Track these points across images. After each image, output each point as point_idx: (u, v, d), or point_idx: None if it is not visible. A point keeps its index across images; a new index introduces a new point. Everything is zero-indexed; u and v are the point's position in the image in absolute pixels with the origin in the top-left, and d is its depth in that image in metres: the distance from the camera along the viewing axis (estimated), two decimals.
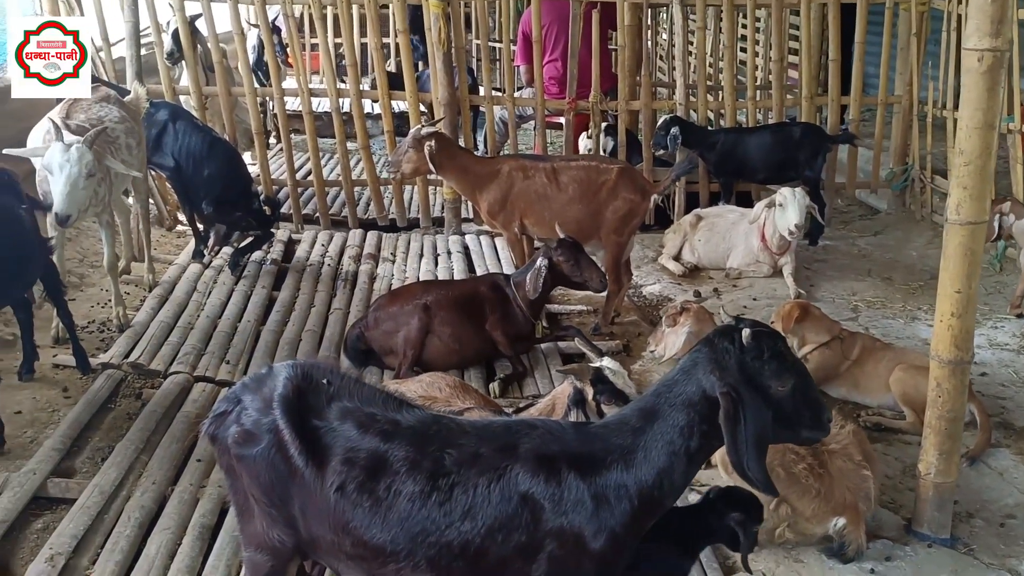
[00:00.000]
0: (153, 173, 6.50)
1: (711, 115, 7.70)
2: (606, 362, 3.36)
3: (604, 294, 5.27)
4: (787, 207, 5.79)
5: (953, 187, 3.13)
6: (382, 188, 7.42)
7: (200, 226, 6.10)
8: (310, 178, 7.44)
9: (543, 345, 5.08)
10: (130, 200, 5.99)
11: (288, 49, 9.16)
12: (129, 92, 5.46)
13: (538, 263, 4.74)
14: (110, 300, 5.27)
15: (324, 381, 2.28)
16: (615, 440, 2.16)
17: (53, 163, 4.25)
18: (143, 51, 7.00)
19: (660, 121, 7.01)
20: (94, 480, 3.62)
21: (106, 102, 5.10)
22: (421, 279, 6.04)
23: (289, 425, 2.20)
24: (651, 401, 2.21)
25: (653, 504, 2.16)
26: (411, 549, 2.13)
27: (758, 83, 8.20)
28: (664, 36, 12.50)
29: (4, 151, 4.48)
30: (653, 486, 2.13)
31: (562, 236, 4.80)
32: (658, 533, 2.54)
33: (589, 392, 3.23)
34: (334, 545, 2.23)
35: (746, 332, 2.15)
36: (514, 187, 5.36)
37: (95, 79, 5.79)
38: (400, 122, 7.65)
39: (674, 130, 6.80)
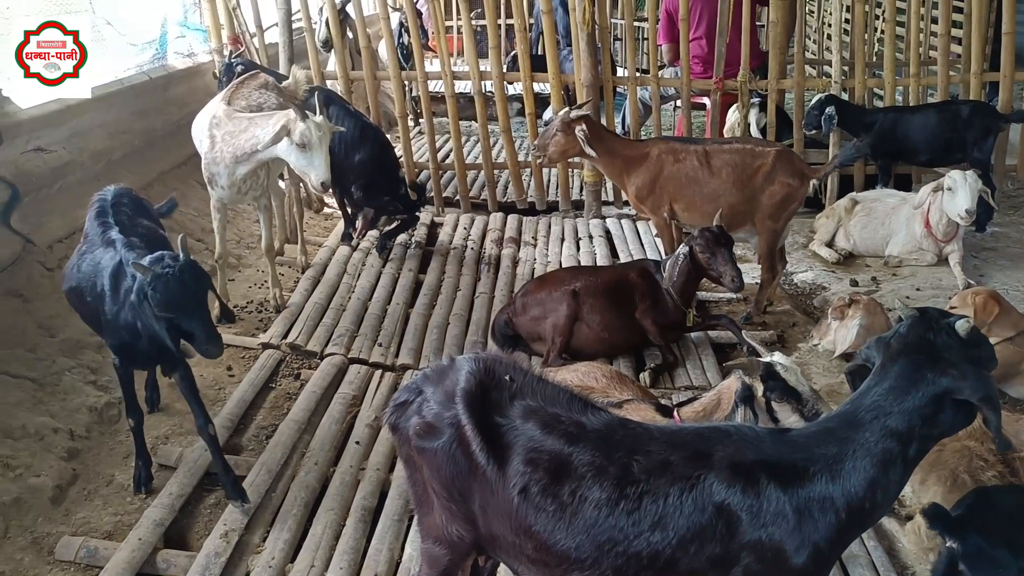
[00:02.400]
0: None
1: (866, 94, 7.29)
2: (777, 357, 3.19)
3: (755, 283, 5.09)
4: (957, 191, 5.42)
5: None
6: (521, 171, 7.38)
7: (349, 210, 6.21)
8: (450, 160, 7.47)
9: (694, 334, 4.94)
10: (282, 184, 6.16)
11: (430, 32, 9.19)
12: (286, 78, 5.58)
13: (679, 251, 4.62)
14: (266, 281, 5.44)
15: (507, 377, 2.22)
16: (818, 449, 2.03)
17: (313, 138, 4.54)
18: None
19: (814, 100, 6.69)
20: (261, 458, 3.74)
21: (265, 88, 5.23)
22: (564, 264, 5.98)
23: (471, 421, 2.15)
24: (859, 408, 2.06)
25: (863, 517, 2.03)
26: (597, 558, 2.06)
27: (921, 59, 7.69)
28: (812, 11, 11.98)
29: (269, 147, 4.67)
30: (864, 498, 2.00)
31: (716, 223, 4.64)
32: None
33: (758, 389, 3.08)
34: (515, 547, 2.18)
35: (963, 324, 2.02)
36: (663, 171, 5.19)
37: (254, 65, 5.98)
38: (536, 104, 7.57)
39: (829, 110, 6.47)
